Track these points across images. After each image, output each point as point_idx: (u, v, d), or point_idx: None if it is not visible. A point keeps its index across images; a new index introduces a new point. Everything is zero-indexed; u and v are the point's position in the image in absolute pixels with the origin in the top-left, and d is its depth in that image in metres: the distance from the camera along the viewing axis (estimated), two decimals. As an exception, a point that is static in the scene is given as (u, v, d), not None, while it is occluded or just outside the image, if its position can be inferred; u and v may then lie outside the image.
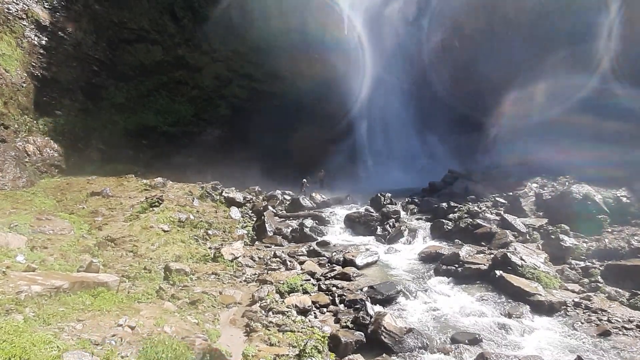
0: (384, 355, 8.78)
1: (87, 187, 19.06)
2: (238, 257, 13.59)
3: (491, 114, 27.30)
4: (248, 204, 19.48)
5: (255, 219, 17.77)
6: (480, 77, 28.43)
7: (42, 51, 23.68)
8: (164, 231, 14.07)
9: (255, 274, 12.72)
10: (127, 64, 28.45)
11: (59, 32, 24.53)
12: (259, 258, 14.15)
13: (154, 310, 8.90)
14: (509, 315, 10.05)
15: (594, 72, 21.43)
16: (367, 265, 13.68)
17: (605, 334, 9.10)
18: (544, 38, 24.84)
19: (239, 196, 19.59)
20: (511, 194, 17.37)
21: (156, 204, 16.16)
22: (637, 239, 12.20)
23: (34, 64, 23.30)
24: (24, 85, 22.20)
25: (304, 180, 25.17)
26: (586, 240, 13.28)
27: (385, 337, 9.08)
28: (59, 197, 17.43)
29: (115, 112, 27.60)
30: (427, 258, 13.96)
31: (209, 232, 15.31)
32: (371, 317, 9.69)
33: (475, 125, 27.93)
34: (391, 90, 30.68)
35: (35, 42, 23.50)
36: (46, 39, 23.92)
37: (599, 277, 11.38)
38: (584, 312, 10.05)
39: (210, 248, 14.04)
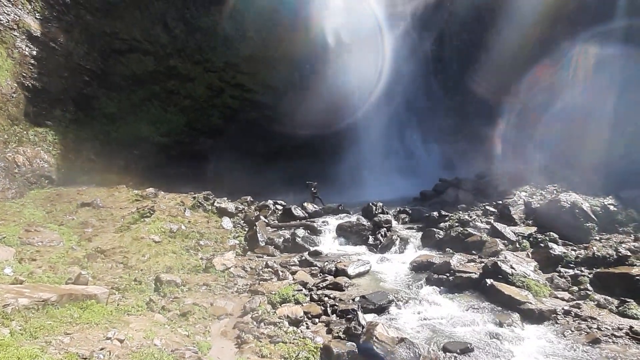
0: (376, 365, 8.80)
1: (77, 197, 18.90)
2: (230, 268, 13.52)
3: (483, 123, 27.65)
4: (240, 214, 19.43)
5: (247, 229, 17.71)
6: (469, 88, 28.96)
7: (33, 61, 23.60)
8: (155, 242, 13.97)
9: (247, 284, 12.66)
10: (119, 74, 28.41)
11: (50, 43, 24.48)
12: (251, 268, 14.09)
13: (143, 323, 8.82)
14: (500, 324, 10.09)
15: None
16: (359, 274, 13.69)
17: (595, 341, 9.15)
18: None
19: (230, 206, 19.53)
20: (501, 202, 17.53)
21: (147, 214, 16.06)
22: (625, 246, 12.34)
23: (24, 75, 23.19)
24: (14, 95, 22.08)
25: (312, 183, 24.73)
26: (575, 248, 13.41)
27: (377, 347, 9.06)
28: (49, 208, 17.25)
29: (107, 122, 27.51)
30: (419, 267, 14.00)
31: (201, 242, 15.22)
32: (363, 327, 9.68)
33: (467, 135, 28.25)
34: (385, 96, 30.90)
35: (26, 53, 23.41)
36: (37, 49, 23.85)
37: (588, 284, 11.47)
38: (573, 320, 10.12)
39: (201, 259, 13.95)
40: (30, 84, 23.21)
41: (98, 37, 27.00)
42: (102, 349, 7.14)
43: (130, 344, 7.56)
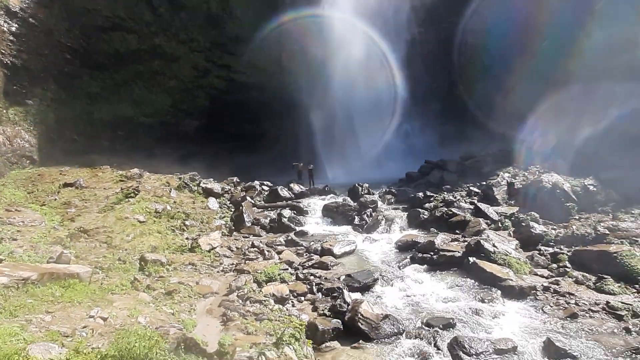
0: (360, 341, 8.93)
1: (59, 178, 18.59)
2: (215, 248, 13.52)
3: (469, 107, 27.78)
4: (226, 195, 19.35)
5: (233, 210, 17.66)
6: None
7: (11, 38, 22.86)
8: (140, 222, 13.86)
9: (232, 264, 12.69)
10: (102, 52, 27.69)
11: (30, 19, 23.70)
12: (237, 248, 14.11)
13: (128, 301, 8.80)
14: (482, 300, 10.32)
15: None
16: (345, 254, 13.81)
17: (573, 316, 9.42)
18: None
19: (217, 187, 19.42)
20: (484, 183, 17.73)
21: (132, 194, 15.89)
22: (603, 225, 12.61)
23: (3, 51, 22.47)
24: (-8, 73, 21.43)
25: (299, 164, 24.77)
26: (555, 227, 13.67)
27: (362, 324, 9.22)
28: (30, 188, 16.96)
29: (90, 102, 26.91)
30: (404, 247, 14.17)
31: (186, 222, 15.16)
32: (348, 305, 9.81)
33: (452, 117, 28.34)
34: (375, 80, 30.66)
35: (5, 29, 22.65)
36: (16, 25, 23.07)
37: (567, 262, 11.73)
38: (552, 296, 10.37)
39: (187, 238, 13.91)
40: (9, 61, 22.52)
41: (80, 14, 26.18)
42: (84, 326, 7.12)
43: (113, 322, 7.56)
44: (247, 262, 12.71)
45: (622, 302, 9.66)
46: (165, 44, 29.69)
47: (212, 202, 17.84)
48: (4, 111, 21.39)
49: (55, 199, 15.91)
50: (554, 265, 11.80)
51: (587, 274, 11.02)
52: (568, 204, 14.24)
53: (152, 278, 10.65)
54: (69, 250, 11.13)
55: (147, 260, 11.22)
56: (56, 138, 23.96)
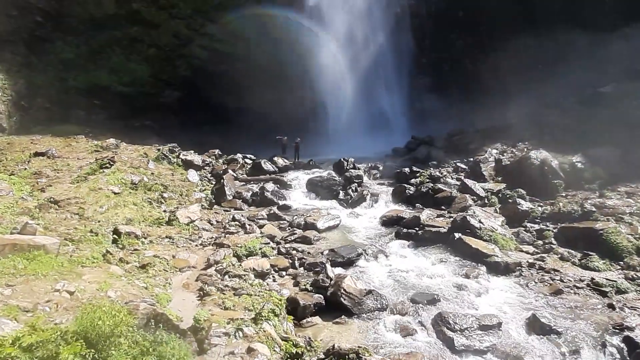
0: (342, 317, 8.70)
1: (30, 147, 17.64)
2: (195, 221, 13.02)
3: (458, 82, 27.35)
4: (207, 167, 18.73)
5: (214, 183, 17.10)
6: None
7: (-25, -4, 21.29)
8: (115, 193, 13.19)
9: (212, 237, 12.24)
10: (76, 16, 26.13)
11: (-6, -24, 22.07)
12: (217, 222, 13.64)
13: (98, 275, 8.31)
14: (467, 276, 10.16)
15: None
16: (329, 228, 13.50)
17: (557, 292, 9.35)
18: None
19: (197, 159, 18.76)
20: (472, 159, 17.52)
21: (107, 165, 15.13)
22: (590, 202, 12.54)
23: (-35, 11, 20.96)
24: (-45, 34, 19.99)
25: (282, 138, 24.18)
26: (541, 204, 13.57)
27: (344, 299, 8.97)
28: (-2, 157, 16.04)
29: (63, 68, 25.50)
30: (389, 222, 13.93)
31: (164, 195, 14.55)
32: (331, 280, 9.53)
33: (441, 92, 27.87)
34: (360, 51, 29.82)
35: (-33, -14, 21.05)
36: (-21, -18, 21.48)
37: (553, 239, 11.67)
38: (537, 272, 10.29)
39: (165, 211, 13.36)
40: (-27, 22, 21.02)
41: (50, -28, 24.50)
42: (48, 301, 6.64)
43: (81, 296, 7.09)
44: (227, 235, 12.27)
45: (607, 279, 9.62)
46: (144, 9, 28.17)
47: (192, 175, 17.21)
48: (-31, 75, 20.09)
49: (26, 169, 15.06)
50: (540, 242, 11.72)
51: (572, 251, 10.96)
52: (555, 181, 14.13)
53: (126, 251, 10.14)
54: (37, 222, 10.46)
55: (120, 232, 10.68)
56: (27, 106, 22.74)
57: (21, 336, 4.71)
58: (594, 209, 12.13)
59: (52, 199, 12.12)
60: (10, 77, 22.42)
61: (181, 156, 18.52)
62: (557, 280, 9.87)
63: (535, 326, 7.96)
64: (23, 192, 12.81)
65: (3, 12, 22.71)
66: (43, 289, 7.04)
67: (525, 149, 17.00)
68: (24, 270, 7.48)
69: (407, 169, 17.69)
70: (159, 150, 18.67)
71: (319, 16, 28.74)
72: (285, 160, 21.13)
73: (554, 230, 11.99)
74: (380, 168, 19.56)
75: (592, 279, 9.69)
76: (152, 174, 16.00)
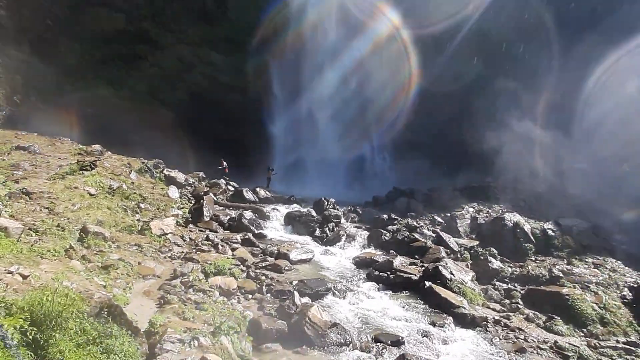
0: (304, 347, 8.45)
1: (13, 140, 17.41)
2: (168, 234, 12.77)
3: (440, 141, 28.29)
4: (189, 187, 18.59)
5: (193, 202, 16.93)
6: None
7: (-9, -10, 21.75)
8: (90, 194, 12.92)
9: (182, 252, 11.98)
10: (85, 25, 26.70)
11: (15, -26, 22.68)
12: (190, 239, 13.39)
13: (56, 266, 7.98)
14: (433, 324, 10.06)
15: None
16: (301, 261, 13.36)
17: (521, 350, 9.30)
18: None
19: (181, 177, 18.67)
20: (449, 214, 17.83)
21: (88, 168, 14.91)
22: (558, 268, 12.78)
23: (-22, 2, 21.29)
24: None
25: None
26: (511, 265, 13.78)
27: (308, 329, 8.73)
28: (-23, 146, 15.72)
29: (63, 73, 25.67)
30: (361, 263, 13.88)
31: (141, 205, 14.31)
32: (297, 307, 9.32)
33: (424, 152, 28.67)
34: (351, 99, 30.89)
35: (-15, -20, 21.54)
36: (-2, -22, 22.02)
37: (520, 299, 11.77)
38: (502, 329, 10.27)
39: (138, 220, 13.10)
40: (-17, 13, 21.32)
41: (69, -19, 25.31)
42: (-1, 280, 6.32)
43: (34, 282, 6.75)
44: (198, 252, 12.02)
45: (570, 344, 9.64)
46: (153, 30, 28.99)
47: (173, 191, 17.04)
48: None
49: (4, 159, 14.75)
50: (507, 301, 11.78)
51: (538, 313, 11.03)
52: (526, 245, 14.44)
53: (91, 250, 9.81)
54: (4, 209, 10.15)
55: (88, 231, 10.37)
56: (20, 102, 22.64)
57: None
58: (561, 275, 12.35)
59: (24, 190, 11.80)
60: (8, 72, 22.45)
61: (165, 172, 18.41)
62: (522, 339, 9.84)
63: (496, 380, 7.84)
64: (-5, 181, 12.47)
65: (14, 9, 23.09)
66: (-3, 269, 6.72)
67: (500, 211, 17.46)
68: (-19, 248, 7.17)
69: (385, 215, 17.85)
70: (143, 163, 18.54)
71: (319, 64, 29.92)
72: (268, 193, 21.16)
73: (522, 292, 12.11)
74: (360, 212, 19.70)
75: (556, 342, 9.70)
76: (132, 183, 15.81)
